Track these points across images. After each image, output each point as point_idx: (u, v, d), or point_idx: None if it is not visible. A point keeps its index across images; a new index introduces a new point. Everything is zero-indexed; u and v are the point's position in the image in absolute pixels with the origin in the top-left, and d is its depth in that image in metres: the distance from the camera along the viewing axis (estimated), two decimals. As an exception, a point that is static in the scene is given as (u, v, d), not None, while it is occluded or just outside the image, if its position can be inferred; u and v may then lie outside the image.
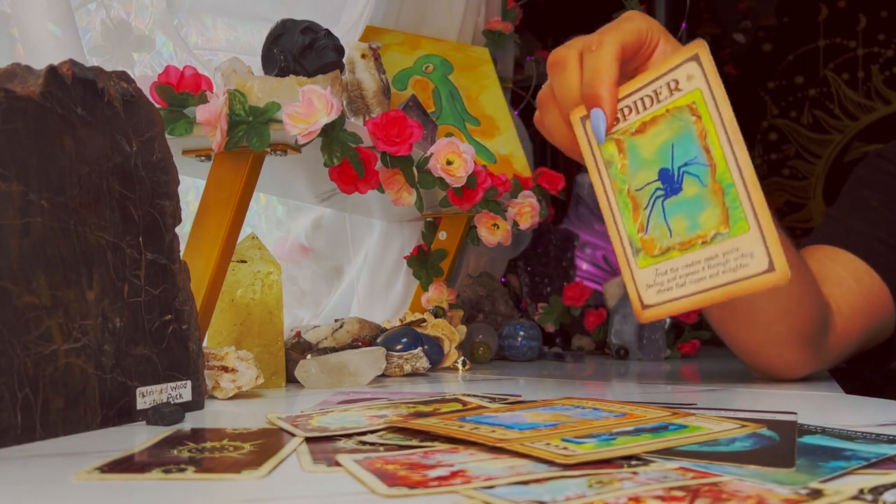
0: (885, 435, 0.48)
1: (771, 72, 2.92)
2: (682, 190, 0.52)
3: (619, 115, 0.55)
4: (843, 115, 2.83)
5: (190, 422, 0.57)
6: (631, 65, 0.59)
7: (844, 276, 0.83)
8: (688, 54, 0.52)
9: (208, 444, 0.48)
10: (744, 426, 0.49)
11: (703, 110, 0.52)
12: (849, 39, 2.83)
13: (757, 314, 0.75)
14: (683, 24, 1.49)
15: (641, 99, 0.54)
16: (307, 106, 0.70)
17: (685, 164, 0.52)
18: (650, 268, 0.54)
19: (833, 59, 2.85)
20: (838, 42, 2.84)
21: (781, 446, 0.45)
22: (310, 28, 0.80)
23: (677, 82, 0.53)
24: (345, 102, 0.88)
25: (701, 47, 0.52)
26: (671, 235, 0.52)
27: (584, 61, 0.56)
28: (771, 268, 0.49)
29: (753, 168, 0.50)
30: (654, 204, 0.53)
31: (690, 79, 0.52)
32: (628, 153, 0.54)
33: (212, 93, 0.72)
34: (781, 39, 2.91)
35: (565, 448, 0.43)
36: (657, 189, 0.53)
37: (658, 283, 0.53)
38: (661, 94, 0.53)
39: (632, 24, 0.57)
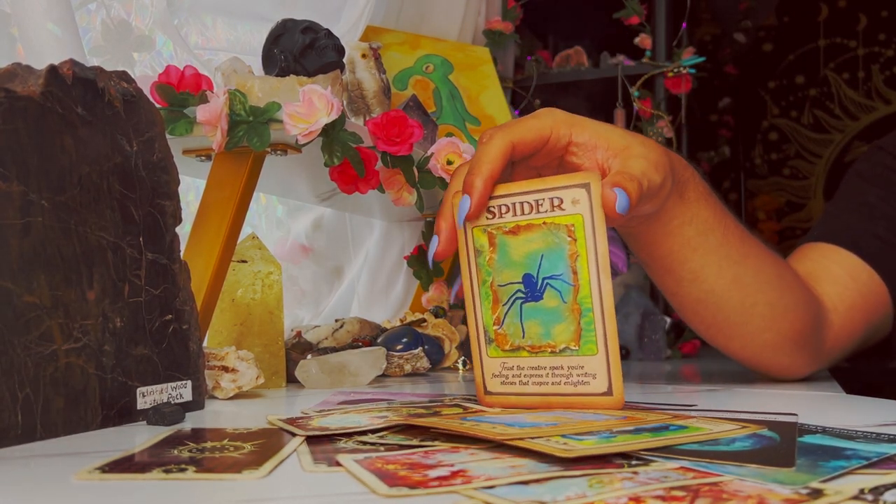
0: (885, 434, 0.48)
1: (771, 72, 2.92)
2: (542, 299, 0.56)
3: (496, 211, 0.57)
4: (843, 115, 2.83)
5: (190, 422, 0.57)
6: (538, 161, 0.61)
7: (840, 273, 0.83)
8: (579, 181, 0.55)
9: (209, 444, 0.48)
10: (744, 427, 0.49)
11: (581, 235, 0.55)
12: (849, 39, 2.83)
13: (742, 327, 0.74)
14: (684, 24, 1.49)
15: (521, 203, 0.56)
16: (307, 106, 0.70)
17: (551, 277, 0.55)
18: (498, 359, 0.58)
19: (833, 59, 2.85)
20: (839, 42, 2.84)
21: (782, 446, 0.45)
22: (310, 28, 0.80)
23: (561, 201, 0.55)
24: (345, 102, 0.88)
25: (594, 178, 0.54)
26: (523, 336, 0.56)
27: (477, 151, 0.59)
28: (609, 392, 0.54)
29: (613, 299, 0.54)
30: (513, 303, 0.57)
31: (575, 203, 0.55)
32: (498, 249, 0.57)
33: (212, 92, 0.72)
34: (782, 39, 2.91)
35: (565, 444, 0.43)
36: (518, 291, 0.57)
37: (503, 376, 0.57)
38: (542, 205, 0.56)
39: (534, 123, 0.59)
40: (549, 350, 0.55)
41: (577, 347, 0.54)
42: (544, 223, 0.56)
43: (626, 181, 0.55)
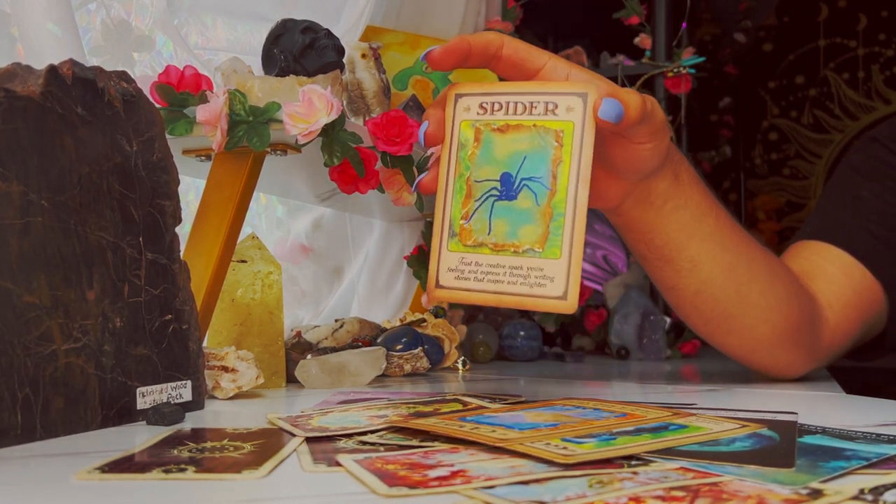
0: (885, 435, 0.48)
1: (771, 72, 2.92)
2: (516, 198, 0.56)
3: (488, 107, 0.58)
4: (843, 115, 2.83)
5: (190, 422, 0.57)
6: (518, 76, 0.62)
7: (834, 272, 0.83)
8: (578, 89, 0.55)
9: (208, 444, 0.48)
10: (744, 426, 0.49)
11: (568, 142, 0.55)
12: (849, 39, 2.83)
13: (738, 319, 0.75)
14: (684, 24, 1.49)
15: (515, 103, 0.57)
16: (307, 106, 0.70)
17: (529, 178, 0.55)
18: (458, 254, 0.57)
19: (833, 59, 2.85)
20: (839, 42, 2.84)
21: (782, 446, 0.45)
22: (310, 28, 0.80)
23: (556, 106, 0.55)
24: (345, 102, 0.88)
25: (593, 89, 0.55)
26: (489, 233, 0.56)
27: None
28: (563, 297, 0.53)
29: (586, 212, 0.54)
30: (485, 200, 0.57)
31: (570, 111, 0.55)
32: (482, 145, 0.57)
33: (212, 92, 0.72)
34: (782, 39, 2.91)
35: (565, 448, 0.43)
36: (493, 188, 0.56)
37: (459, 271, 0.57)
38: (535, 107, 0.56)
39: (534, 47, 0.61)
40: (512, 250, 0.55)
41: (540, 250, 0.54)
42: (534, 125, 0.56)
43: (626, 94, 0.56)
